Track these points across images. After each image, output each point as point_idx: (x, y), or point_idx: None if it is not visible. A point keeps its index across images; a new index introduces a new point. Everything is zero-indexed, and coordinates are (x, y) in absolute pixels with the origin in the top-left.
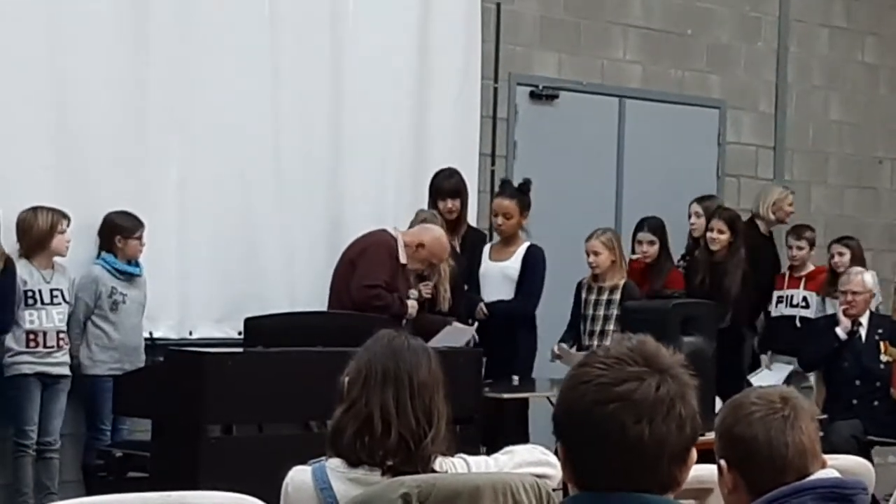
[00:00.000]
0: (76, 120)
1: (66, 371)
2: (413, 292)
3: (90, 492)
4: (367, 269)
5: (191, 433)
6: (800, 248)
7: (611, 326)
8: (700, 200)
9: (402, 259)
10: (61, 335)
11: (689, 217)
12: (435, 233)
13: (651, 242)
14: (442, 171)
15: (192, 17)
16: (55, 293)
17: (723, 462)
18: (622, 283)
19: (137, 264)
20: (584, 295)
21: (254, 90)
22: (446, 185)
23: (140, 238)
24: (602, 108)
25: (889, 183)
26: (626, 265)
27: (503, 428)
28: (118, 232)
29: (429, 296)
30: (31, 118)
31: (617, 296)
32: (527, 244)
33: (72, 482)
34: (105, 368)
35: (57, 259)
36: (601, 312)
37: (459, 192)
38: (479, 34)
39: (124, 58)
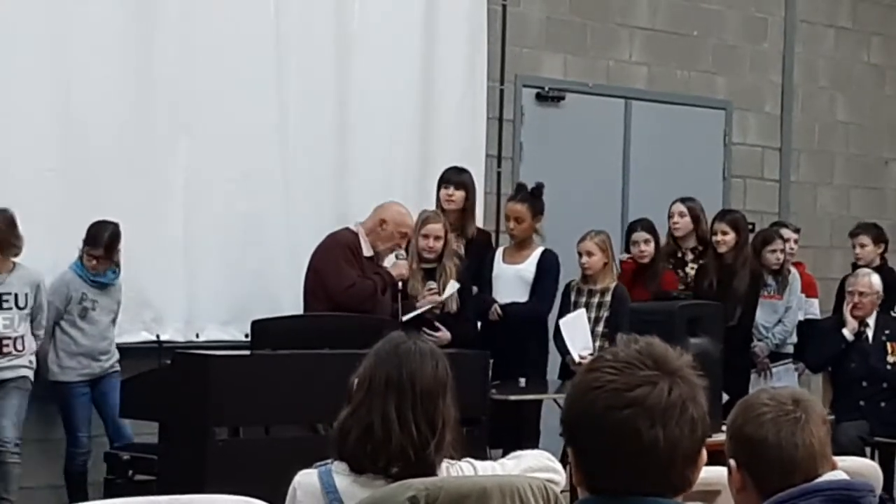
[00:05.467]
0: (82, 123)
1: (12, 374)
2: (401, 253)
3: (73, 497)
4: (333, 274)
5: (198, 436)
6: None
7: (600, 328)
8: (683, 200)
9: (367, 251)
10: (6, 341)
11: (672, 217)
12: (392, 206)
13: (647, 241)
14: (454, 166)
15: (197, 20)
16: (6, 298)
17: (732, 462)
18: (613, 285)
19: (114, 272)
20: (573, 297)
21: (259, 92)
22: (453, 176)
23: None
24: (608, 110)
25: (895, 183)
26: (617, 268)
27: (517, 430)
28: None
29: (435, 294)
30: (37, 121)
31: (608, 298)
32: (541, 248)
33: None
34: (74, 375)
35: (19, 261)
36: (591, 315)
37: (465, 184)
38: (484, 36)
39: (130, 60)
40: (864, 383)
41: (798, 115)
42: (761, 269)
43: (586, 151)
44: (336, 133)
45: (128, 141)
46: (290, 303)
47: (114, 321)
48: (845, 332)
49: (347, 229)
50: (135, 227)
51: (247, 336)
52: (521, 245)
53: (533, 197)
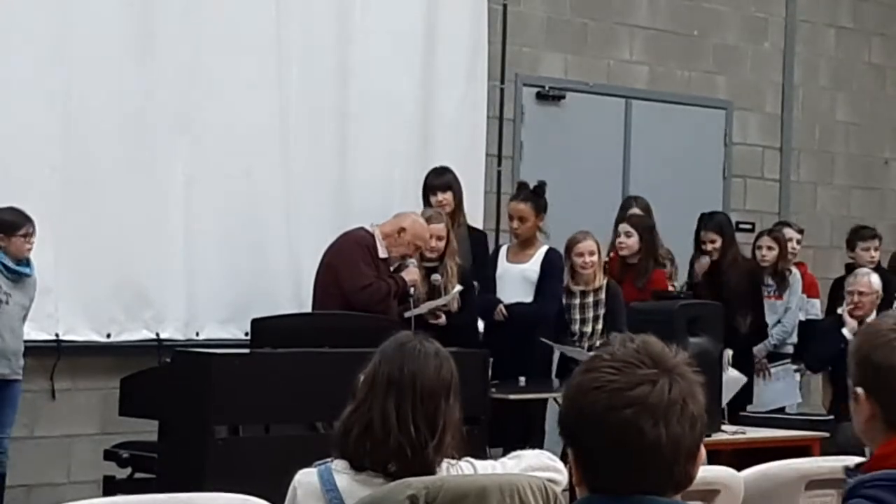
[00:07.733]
0: (84, 120)
1: None
2: (411, 260)
3: None
4: (350, 273)
5: (198, 434)
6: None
7: (599, 326)
8: (629, 218)
9: (382, 253)
10: None
11: (620, 236)
12: (413, 216)
13: (628, 234)
14: (433, 169)
15: (198, 16)
16: None
17: (860, 390)
18: (605, 282)
19: (28, 264)
20: (564, 299)
21: (261, 90)
22: (436, 181)
23: (26, 236)
24: (608, 109)
25: (895, 183)
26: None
27: (522, 429)
28: (1, 230)
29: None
30: (39, 118)
31: (602, 296)
32: (545, 247)
33: None
34: None
35: None
36: (590, 314)
37: (450, 185)
38: (485, 35)
39: (131, 58)
40: None
41: (798, 114)
42: (759, 269)
43: (586, 151)
44: (336, 132)
45: (128, 140)
46: (290, 301)
47: (24, 319)
48: (845, 331)
49: (363, 229)
50: (135, 226)
51: (246, 334)
52: (524, 244)
53: (535, 196)
